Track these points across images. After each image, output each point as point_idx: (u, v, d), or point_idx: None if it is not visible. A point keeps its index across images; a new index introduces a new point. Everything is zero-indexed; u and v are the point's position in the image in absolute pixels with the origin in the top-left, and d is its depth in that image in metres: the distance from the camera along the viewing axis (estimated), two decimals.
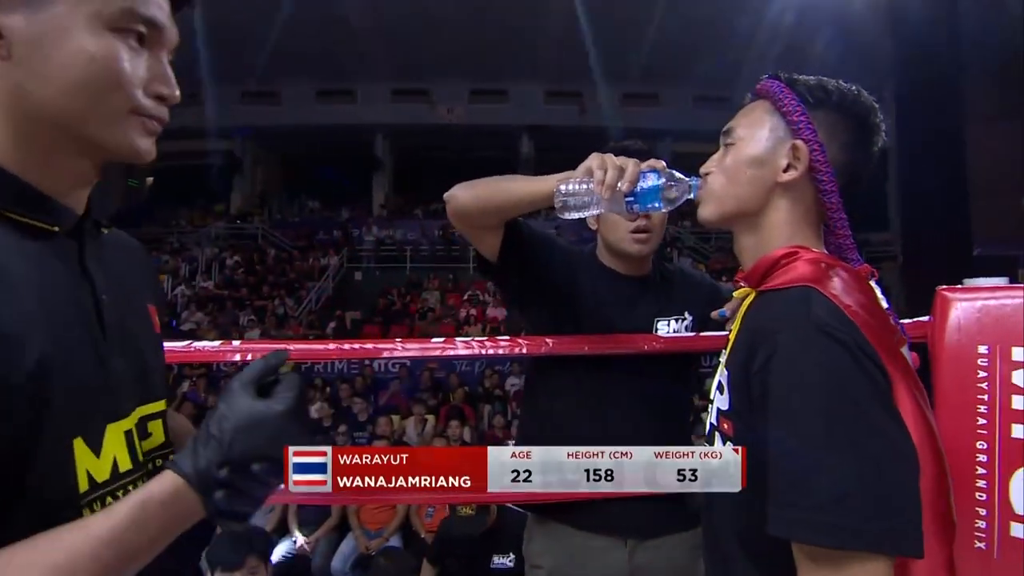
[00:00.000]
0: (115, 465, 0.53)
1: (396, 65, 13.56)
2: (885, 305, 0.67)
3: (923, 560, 0.53)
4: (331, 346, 1.13)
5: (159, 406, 0.63)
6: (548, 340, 1.16)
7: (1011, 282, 0.86)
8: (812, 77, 0.72)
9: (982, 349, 0.77)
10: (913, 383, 0.60)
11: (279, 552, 3.44)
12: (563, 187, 0.90)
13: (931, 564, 0.55)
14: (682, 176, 0.84)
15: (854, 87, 0.71)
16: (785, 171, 0.68)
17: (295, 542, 3.48)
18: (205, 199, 15.37)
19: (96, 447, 0.51)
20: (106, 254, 0.59)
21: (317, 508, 3.58)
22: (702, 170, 0.77)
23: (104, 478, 0.52)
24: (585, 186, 0.87)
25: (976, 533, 0.75)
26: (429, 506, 3.52)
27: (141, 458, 0.57)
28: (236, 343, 1.12)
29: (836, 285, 0.61)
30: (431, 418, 5.40)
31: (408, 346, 1.12)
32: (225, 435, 0.49)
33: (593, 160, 0.88)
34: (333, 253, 12.34)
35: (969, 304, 0.80)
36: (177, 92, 0.56)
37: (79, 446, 0.50)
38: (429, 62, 13.37)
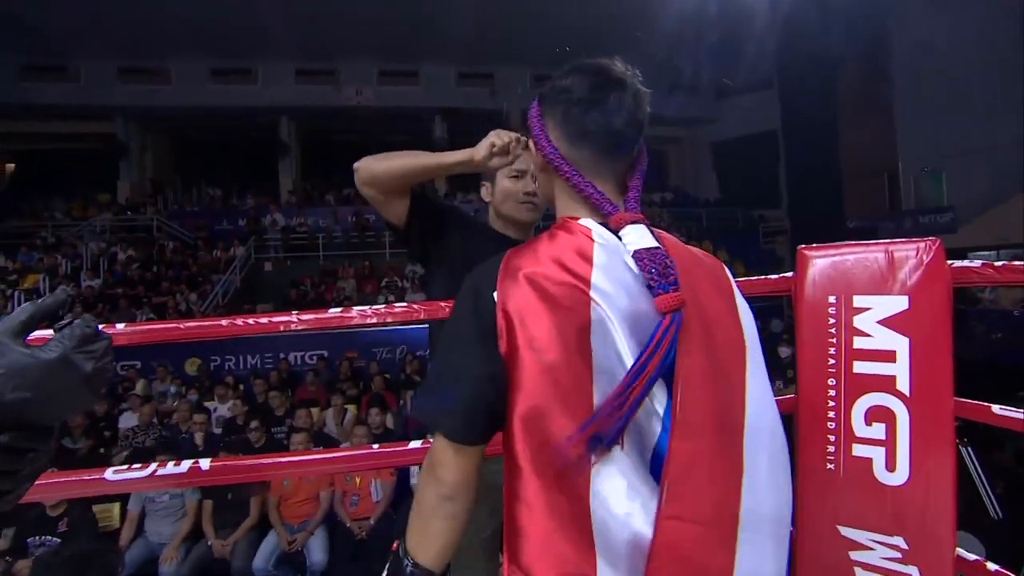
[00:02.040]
0: None
1: (300, 43, 12.83)
2: (600, 258, 0.73)
3: (528, 476, 0.68)
4: (224, 322, 1.08)
5: None
6: (443, 304, 1.17)
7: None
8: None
9: (831, 299, 0.89)
10: (548, 330, 0.69)
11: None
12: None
13: (516, 470, 0.69)
14: None
15: (570, 66, 0.80)
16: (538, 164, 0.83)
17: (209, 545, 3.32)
18: (86, 188, 13.73)
19: None
20: None
21: (233, 508, 3.42)
22: None
23: None
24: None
25: (827, 457, 0.88)
26: (354, 493, 3.47)
27: None
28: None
29: (540, 249, 0.75)
30: (351, 407, 5.29)
31: (304, 317, 1.11)
32: None
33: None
34: (239, 244, 11.61)
35: (822, 260, 0.91)
36: None
37: None
38: (335, 41, 12.77)
